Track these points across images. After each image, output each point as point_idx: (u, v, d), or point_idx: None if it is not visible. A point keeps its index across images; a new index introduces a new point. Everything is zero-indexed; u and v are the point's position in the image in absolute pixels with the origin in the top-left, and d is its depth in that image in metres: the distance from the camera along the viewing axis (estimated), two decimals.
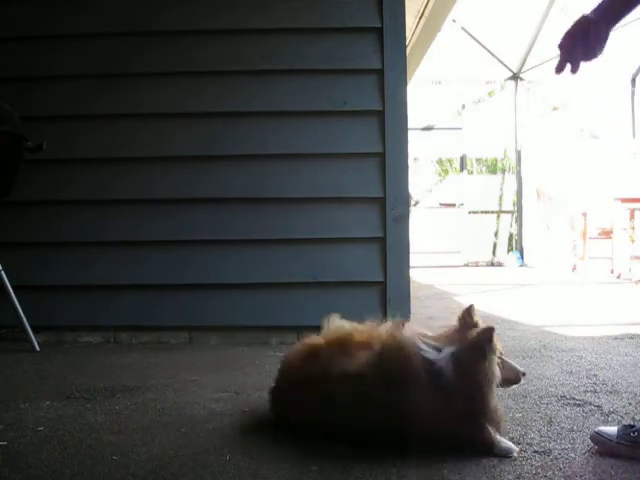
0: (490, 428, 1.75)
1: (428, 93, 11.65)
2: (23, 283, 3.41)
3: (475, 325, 1.83)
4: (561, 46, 1.68)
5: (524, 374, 1.93)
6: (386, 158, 3.55)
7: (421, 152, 12.57)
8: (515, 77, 11.44)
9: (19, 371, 2.90)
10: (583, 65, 1.66)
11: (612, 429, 1.76)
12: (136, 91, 3.64)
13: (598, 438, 1.76)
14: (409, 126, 3.63)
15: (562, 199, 10.52)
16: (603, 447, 1.75)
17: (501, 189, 12.26)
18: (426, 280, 7.98)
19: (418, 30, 7.27)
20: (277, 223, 3.59)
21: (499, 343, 1.81)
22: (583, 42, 1.63)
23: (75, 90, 3.64)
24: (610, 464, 1.66)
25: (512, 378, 1.89)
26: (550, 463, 1.67)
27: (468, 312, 1.85)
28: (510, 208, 12.10)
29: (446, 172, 13.28)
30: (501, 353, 1.84)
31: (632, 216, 8.03)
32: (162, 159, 3.63)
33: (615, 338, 3.59)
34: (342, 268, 3.52)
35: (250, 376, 2.77)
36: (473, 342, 1.75)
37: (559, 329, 3.96)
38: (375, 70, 3.57)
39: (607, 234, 8.44)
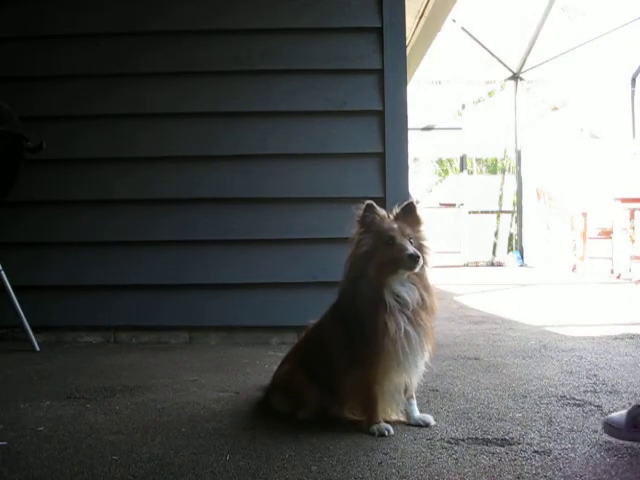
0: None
1: (428, 93, 11.66)
2: (23, 283, 3.41)
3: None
4: None
5: (414, 256, 1.87)
6: (386, 158, 3.55)
7: (421, 152, 12.59)
8: (515, 77, 11.44)
9: (19, 371, 2.90)
10: None
11: (621, 415, 1.80)
12: (136, 91, 3.64)
13: (609, 429, 1.81)
14: (409, 126, 3.63)
15: (562, 199, 10.54)
16: (613, 434, 1.80)
17: (501, 189, 12.27)
18: None
19: (418, 30, 7.27)
20: (277, 223, 3.59)
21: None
22: None
23: (75, 90, 3.64)
24: (610, 464, 1.66)
25: (397, 257, 1.89)
26: (550, 463, 1.67)
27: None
28: (510, 208, 12.11)
29: (446, 172, 13.30)
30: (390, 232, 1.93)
31: (632, 216, 8.03)
32: (162, 159, 3.63)
33: (615, 338, 3.59)
34: (342, 269, 3.51)
35: (250, 376, 2.77)
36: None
37: (559, 329, 3.97)
38: (375, 70, 3.57)
39: (607, 234, 8.44)
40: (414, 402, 2.03)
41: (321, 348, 2.04)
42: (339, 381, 1.97)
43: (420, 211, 2.05)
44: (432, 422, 2.01)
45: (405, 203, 2.06)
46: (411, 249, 1.89)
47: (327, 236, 3.54)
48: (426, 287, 1.97)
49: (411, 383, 1.99)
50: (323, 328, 2.08)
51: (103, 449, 1.82)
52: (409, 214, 2.03)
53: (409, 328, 1.90)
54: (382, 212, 2.01)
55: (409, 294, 1.92)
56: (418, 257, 1.87)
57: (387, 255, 1.90)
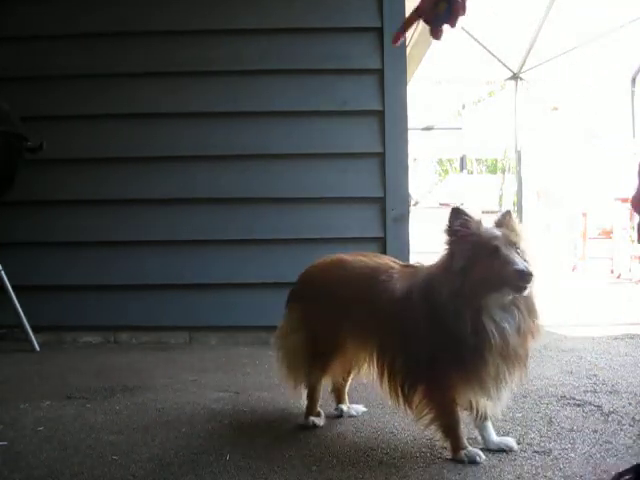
0: None
1: (428, 93, 11.67)
2: (23, 283, 3.41)
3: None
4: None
5: (524, 274, 1.53)
6: (386, 158, 3.55)
7: (421, 152, 12.60)
8: (515, 77, 11.43)
9: (19, 371, 2.90)
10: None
11: None
12: (136, 91, 3.64)
13: None
14: (409, 126, 3.63)
15: (562, 199, 10.53)
16: None
17: (501, 189, 12.28)
18: None
19: (418, 30, 7.26)
20: (277, 223, 3.59)
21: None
22: None
23: (75, 90, 3.64)
24: (610, 464, 1.66)
25: (503, 274, 1.57)
26: (550, 463, 1.67)
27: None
28: (510, 208, 12.12)
29: (446, 172, 13.31)
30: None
31: (632, 216, 8.02)
32: (162, 159, 3.63)
33: (615, 338, 3.58)
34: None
35: (250, 376, 2.77)
36: None
37: (559, 329, 3.96)
38: (375, 70, 3.57)
39: (607, 234, 8.44)
40: (490, 425, 1.80)
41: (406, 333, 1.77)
42: (414, 382, 1.75)
43: (519, 223, 1.72)
44: (515, 446, 1.77)
45: (502, 212, 1.73)
46: (521, 263, 1.55)
47: (327, 236, 3.54)
48: (531, 312, 1.68)
49: (489, 410, 1.74)
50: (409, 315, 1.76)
51: (103, 449, 1.82)
52: (506, 225, 1.69)
53: (499, 360, 1.64)
54: (475, 217, 1.69)
55: (510, 323, 1.63)
56: (530, 275, 1.55)
57: (490, 269, 1.58)
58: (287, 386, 2.10)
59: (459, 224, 1.66)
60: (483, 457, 1.69)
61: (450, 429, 1.73)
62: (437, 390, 1.72)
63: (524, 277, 1.54)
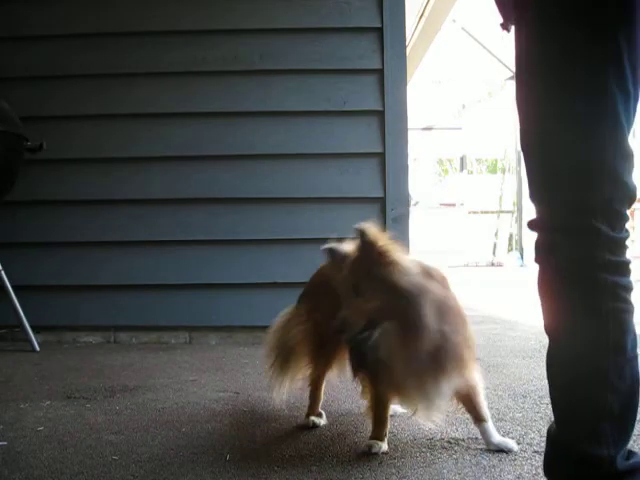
0: None
1: (428, 93, 11.67)
2: (23, 283, 3.41)
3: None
4: None
5: (337, 330, 1.62)
6: (386, 158, 3.55)
7: (421, 152, 12.60)
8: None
9: (19, 371, 2.90)
10: None
11: None
12: (136, 91, 3.64)
13: None
14: (409, 126, 3.63)
15: None
16: None
17: (501, 189, 12.28)
18: None
19: (418, 30, 7.27)
20: (277, 223, 3.59)
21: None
22: None
23: (75, 90, 3.64)
24: None
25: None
26: None
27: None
28: (510, 208, 12.12)
29: (446, 172, 13.31)
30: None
31: (632, 216, 8.03)
32: (162, 159, 3.63)
33: None
34: None
35: (250, 376, 2.77)
36: None
37: None
38: (375, 70, 3.58)
39: None
40: (490, 426, 1.80)
41: None
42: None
43: (381, 240, 1.70)
44: (515, 447, 1.78)
45: (358, 234, 1.68)
46: (339, 318, 1.62)
47: (327, 236, 3.52)
48: (409, 327, 1.60)
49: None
50: None
51: (103, 449, 1.82)
52: (369, 249, 1.68)
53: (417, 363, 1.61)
54: (343, 252, 1.76)
55: (381, 336, 1.61)
56: (341, 331, 1.62)
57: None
58: (273, 385, 2.01)
59: (330, 265, 1.80)
60: (385, 448, 1.75)
61: (376, 418, 1.79)
62: (371, 385, 1.81)
63: (339, 330, 1.63)
